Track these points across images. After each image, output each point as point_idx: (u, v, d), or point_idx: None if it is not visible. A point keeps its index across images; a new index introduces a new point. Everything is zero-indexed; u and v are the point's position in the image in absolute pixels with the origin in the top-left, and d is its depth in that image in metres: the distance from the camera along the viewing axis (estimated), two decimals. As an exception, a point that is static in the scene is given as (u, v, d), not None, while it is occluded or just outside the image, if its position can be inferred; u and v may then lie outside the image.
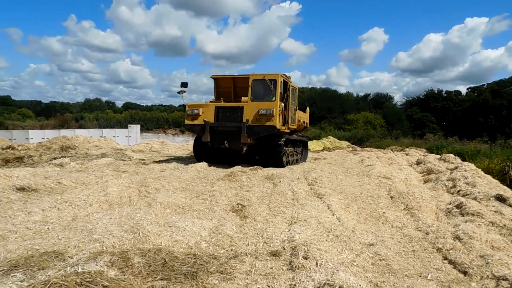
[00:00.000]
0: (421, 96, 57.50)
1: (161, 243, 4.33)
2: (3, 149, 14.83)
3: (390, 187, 8.68)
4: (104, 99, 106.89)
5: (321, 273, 3.65)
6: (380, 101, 57.24)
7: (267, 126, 11.07)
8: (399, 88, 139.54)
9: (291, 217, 5.89)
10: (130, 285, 3.11)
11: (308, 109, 16.80)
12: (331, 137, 30.38)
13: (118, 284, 3.06)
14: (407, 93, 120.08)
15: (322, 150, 22.75)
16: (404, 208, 6.99)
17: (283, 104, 11.65)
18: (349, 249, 4.48)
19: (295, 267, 3.88)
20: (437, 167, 12.50)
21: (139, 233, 4.47)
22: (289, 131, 12.78)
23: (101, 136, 24.47)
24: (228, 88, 13.57)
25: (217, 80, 13.66)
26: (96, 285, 2.91)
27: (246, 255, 4.21)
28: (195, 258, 3.92)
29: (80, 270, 3.12)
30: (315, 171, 11.04)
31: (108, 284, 2.98)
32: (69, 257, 3.80)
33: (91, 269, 3.14)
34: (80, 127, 39.95)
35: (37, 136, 24.66)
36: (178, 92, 12.31)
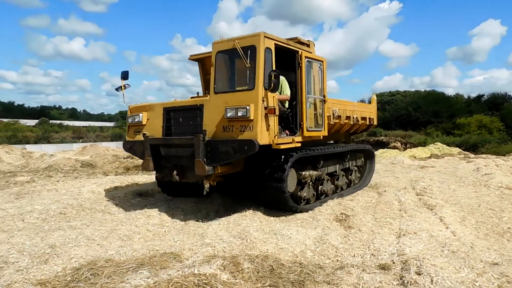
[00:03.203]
0: (550, 95, 50.11)
1: (268, 250, 4.44)
2: (124, 158, 16.70)
3: (514, 199, 7.69)
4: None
5: (438, 291, 3.38)
6: (497, 102, 51.24)
7: (240, 142, 5.69)
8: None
9: (399, 229, 5.57)
10: (241, 289, 3.24)
11: (374, 96, 10.85)
12: (439, 143, 28.08)
13: (231, 288, 3.21)
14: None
15: (429, 158, 21.17)
16: (535, 224, 6.12)
17: (276, 94, 6.25)
18: (468, 267, 4.07)
19: (407, 283, 3.65)
20: None
21: (246, 239, 4.65)
22: (299, 144, 6.64)
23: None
24: None
25: (201, 62, 8.62)
26: (211, 287, 3.10)
27: (353, 267, 4.10)
28: (301, 267, 3.93)
29: (196, 271, 3.36)
30: (423, 180, 10.30)
31: (222, 287, 3.16)
32: (185, 258, 4.12)
33: (206, 272, 3.36)
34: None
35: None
36: (117, 89, 7.28)
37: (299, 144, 6.62)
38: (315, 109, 7.24)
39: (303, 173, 6.84)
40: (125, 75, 7.28)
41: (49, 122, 56.43)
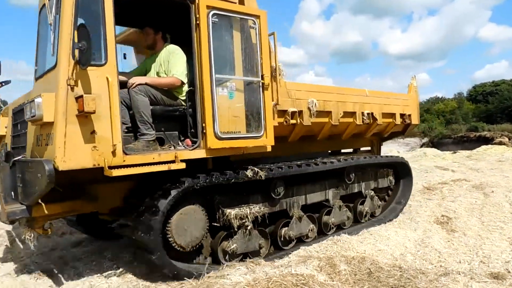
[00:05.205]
0: None
1: (365, 251, 4.34)
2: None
3: None
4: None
5: None
6: None
7: (36, 167, 3.13)
8: None
9: (513, 234, 5.04)
10: (339, 291, 3.20)
11: (412, 82, 7.16)
12: (557, 137, 24.69)
13: (328, 289, 3.19)
14: None
15: (544, 154, 18.73)
16: None
17: (152, 78, 4.15)
18: None
19: (527, 295, 3.29)
20: None
21: (340, 240, 4.59)
22: (183, 165, 3.61)
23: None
24: None
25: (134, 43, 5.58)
26: (309, 288, 3.11)
27: (459, 274, 3.80)
28: (401, 271, 3.76)
29: (293, 271, 3.40)
30: (539, 179, 9.13)
31: None
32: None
33: (303, 272, 3.37)
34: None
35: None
36: None
37: (183, 165, 3.61)
38: (245, 101, 4.15)
39: (228, 211, 4.01)
40: None
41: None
